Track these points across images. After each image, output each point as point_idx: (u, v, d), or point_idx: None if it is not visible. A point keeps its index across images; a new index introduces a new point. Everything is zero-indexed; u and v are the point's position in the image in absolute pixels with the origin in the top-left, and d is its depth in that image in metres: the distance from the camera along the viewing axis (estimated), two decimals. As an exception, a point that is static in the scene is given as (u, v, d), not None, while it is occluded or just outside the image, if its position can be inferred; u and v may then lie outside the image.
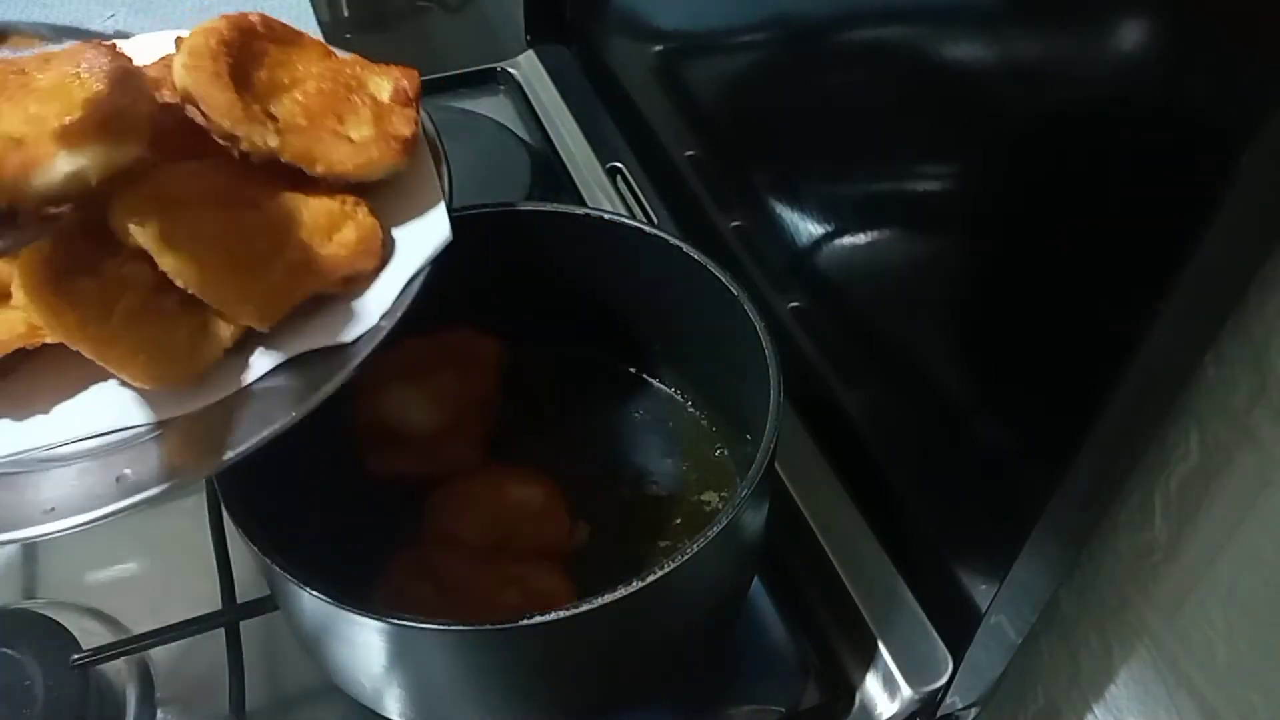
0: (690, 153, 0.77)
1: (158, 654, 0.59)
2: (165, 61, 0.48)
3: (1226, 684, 0.46)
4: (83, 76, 0.40)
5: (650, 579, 0.43)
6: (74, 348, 0.40)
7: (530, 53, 0.98)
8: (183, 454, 0.41)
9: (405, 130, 0.49)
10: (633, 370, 0.67)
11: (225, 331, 0.43)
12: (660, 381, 0.66)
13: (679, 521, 0.60)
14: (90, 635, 0.58)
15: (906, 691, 0.55)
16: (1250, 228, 0.35)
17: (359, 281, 0.46)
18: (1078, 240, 0.41)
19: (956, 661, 0.55)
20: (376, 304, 0.45)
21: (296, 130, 0.46)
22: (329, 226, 0.45)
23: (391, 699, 0.51)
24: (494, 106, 0.95)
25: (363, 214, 0.47)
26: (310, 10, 1.14)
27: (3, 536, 0.38)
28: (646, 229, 0.58)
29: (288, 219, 0.45)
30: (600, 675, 0.51)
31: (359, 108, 0.49)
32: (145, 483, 0.40)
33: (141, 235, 0.40)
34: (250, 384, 0.43)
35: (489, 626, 0.43)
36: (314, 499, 0.54)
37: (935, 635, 0.56)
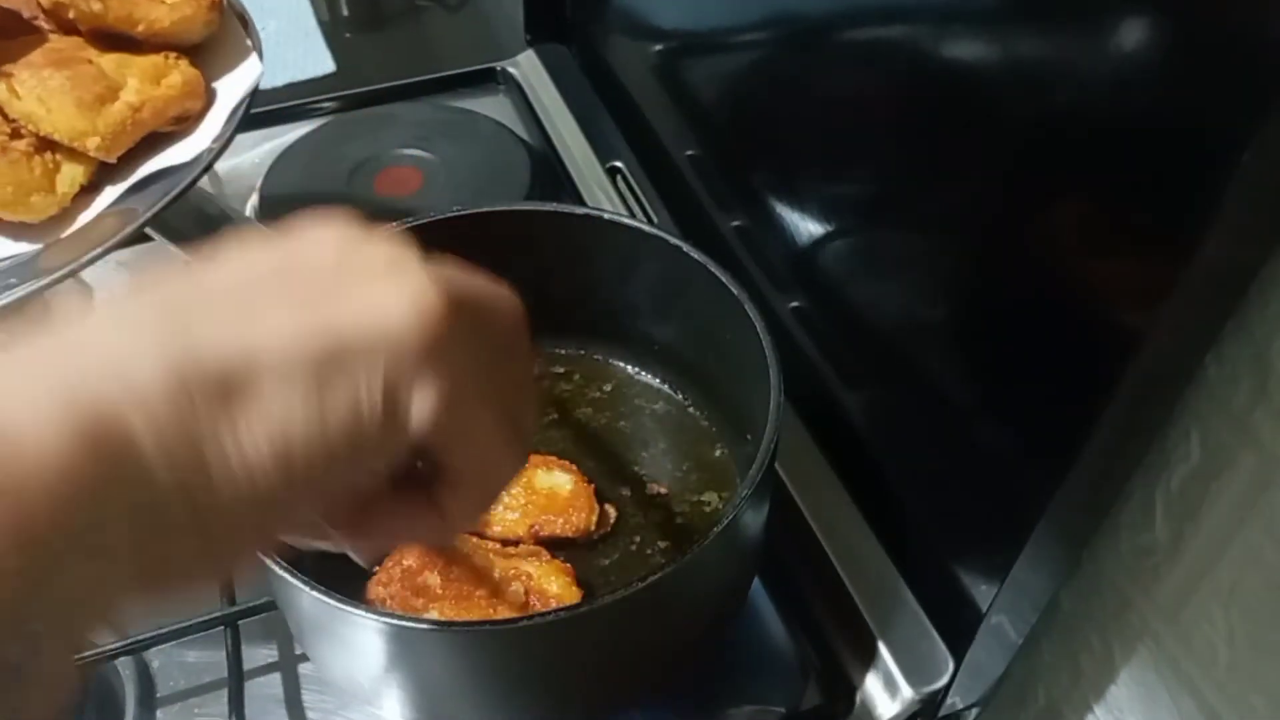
0: (690, 153, 0.77)
1: (157, 654, 0.59)
2: None
3: (1227, 684, 0.46)
4: None
5: (650, 579, 0.43)
6: None
7: (530, 52, 0.98)
8: (63, 257, 0.49)
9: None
10: (632, 370, 0.67)
11: (78, 168, 0.51)
12: (660, 381, 0.66)
13: (679, 521, 0.60)
14: (90, 635, 0.58)
15: (907, 692, 0.55)
16: (1251, 227, 0.35)
17: (189, 120, 0.55)
18: (1078, 240, 0.41)
19: (957, 662, 0.55)
20: (207, 133, 0.54)
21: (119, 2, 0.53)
22: (156, 75, 0.53)
23: (391, 699, 0.51)
24: (494, 106, 0.95)
25: (184, 65, 0.55)
26: (310, 9, 1.14)
27: None
28: (646, 229, 0.58)
29: (120, 68, 0.53)
30: (600, 675, 0.51)
31: None
32: (32, 277, 0.47)
33: None
34: (107, 207, 0.51)
35: (488, 627, 0.43)
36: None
37: (936, 635, 0.56)
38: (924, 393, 0.56)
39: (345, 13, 1.15)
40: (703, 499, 0.61)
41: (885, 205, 0.56)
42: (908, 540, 0.58)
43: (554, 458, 0.61)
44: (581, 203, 0.82)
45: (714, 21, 0.71)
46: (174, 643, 0.56)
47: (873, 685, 0.56)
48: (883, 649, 0.56)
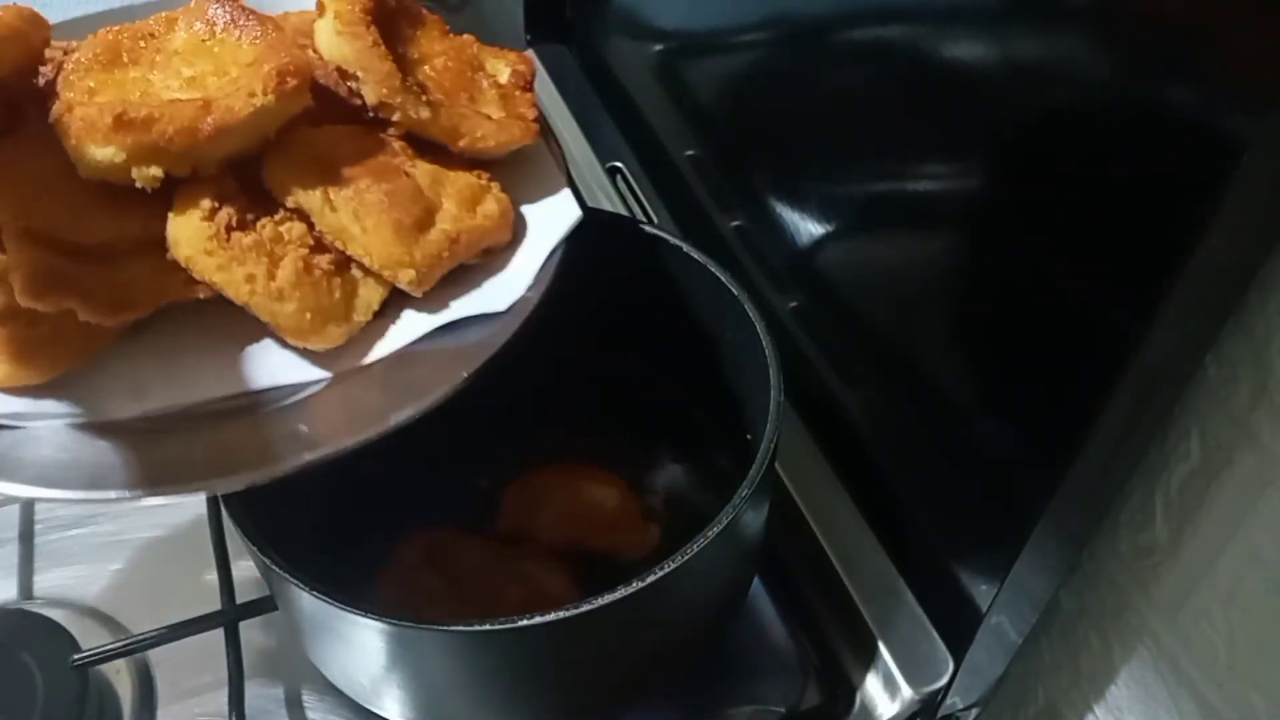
0: (690, 152, 0.77)
1: (157, 654, 0.59)
2: (290, 21, 0.49)
3: (1227, 684, 0.46)
4: (218, 35, 0.43)
5: (650, 579, 0.43)
6: (241, 304, 0.41)
7: (530, 52, 0.98)
8: (354, 412, 0.42)
9: (530, 113, 0.51)
10: (632, 370, 0.67)
11: (375, 294, 0.44)
12: (660, 381, 0.66)
13: (679, 522, 0.60)
14: (90, 635, 0.58)
15: (907, 692, 0.55)
16: (1251, 227, 0.35)
17: (497, 254, 0.48)
18: (1078, 240, 0.41)
19: (957, 662, 0.55)
20: (519, 276, 0.47)
21: (443, 103, 0.48)
22: (472, 199, 0.47)
23: (391, 699, 0.51)
24: (494, 106, 0.95)
25: (497, 189, 0.48)
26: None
27: (219, 484, 0.40)
28: (646, 229, 0.58)
29: (438, 188, 0.46)
30: (600, 675, 0.51)
31: (484, 88, 0.51)
32: (323, 439, 0.41)
33: (304, 195, 0.42)
34: (405, 347, 0.44)
35: (488, 627, 0.43)
36: (314, 499, 0.54)
37: (935, 635, 0.56)
38: (924, 392, 0.56)
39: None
40: (702, 499, 0.62)
41: (885, 205, 0.56)
42: (908, 540, 0.58)
43: (601, 470, 0.61)
44: (582, 203, 0.82)
45: (714, 21, 0.71)
46: (174, 643, 0.56)
47: (873, 685, 0.56)
48: (882, 649, 0.56)
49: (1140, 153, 0.37)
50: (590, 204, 0.81)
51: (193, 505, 0.63)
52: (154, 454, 0.40)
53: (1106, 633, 0.52)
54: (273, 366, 0.43)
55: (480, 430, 0.64)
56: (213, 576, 0.59)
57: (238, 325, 0.43)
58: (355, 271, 0.44)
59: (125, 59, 0.43)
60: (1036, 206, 0.43)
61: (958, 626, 0.54)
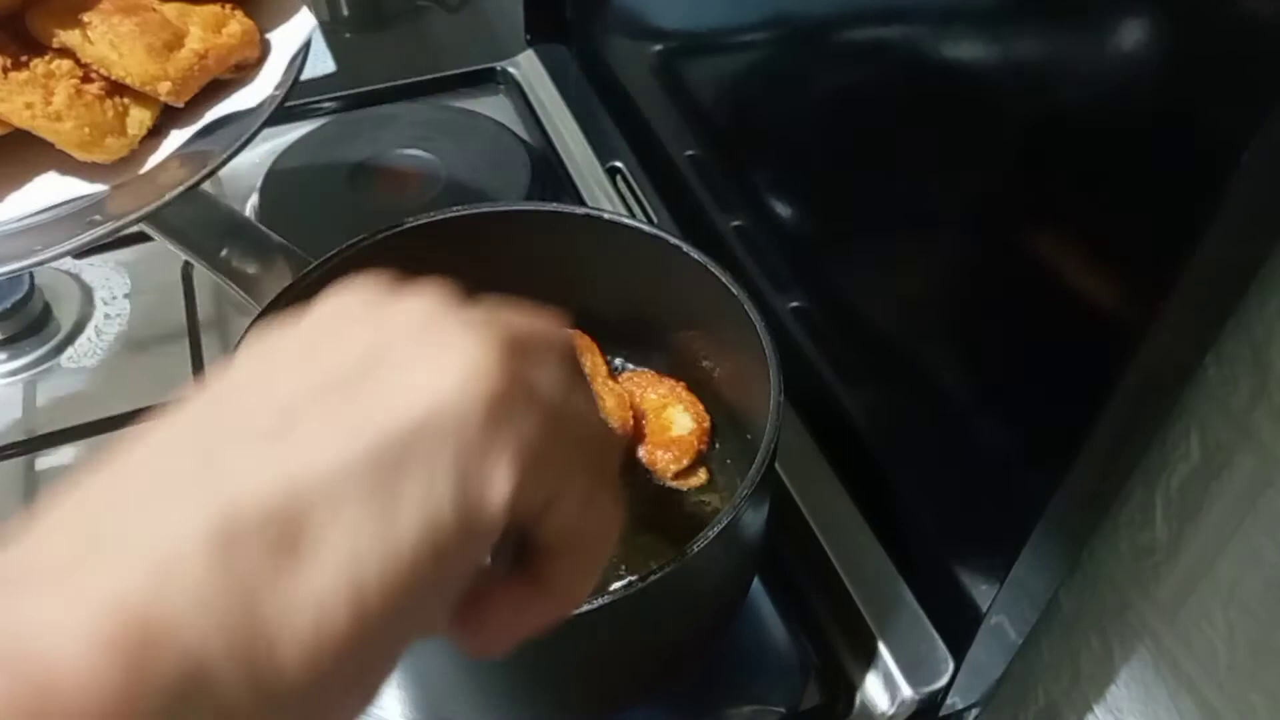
0: (690, 153, 0.77)
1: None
2: None
3: (1227, 684, 0.46)
4: None
5: (650, 579, 0.43)
6: (26, 128, 0.48)
7: (530, 52, 0.98)
8: (137, 200, 0.50)
9: None
10: (632, 369, 0.67)
11: (146, 111, 0.52)
12: (660, 375, 0.66)
13: (679, 521, 0.60)
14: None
15: (907, 692, 0.55)
16: (1250, 227, 0.35)
17: (248, 68, 0.56)
18: (1078, 240, 0.41)
19: (957, 662, 0.55)
20: (268, 80, 0.56)
21: None
22: (216, 24, 0.55)
23: (390, 699, 0.51)
24: (494, 106, 0.95)
25: (240, 15, 0.56)
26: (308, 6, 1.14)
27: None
28: (646, 229, 0.58)
29: (185, 19, 0.54)
30: (600, 675, 0.51)
31: None
32: (113, 218, 0.49)
33: (65, 34, 0.50)
34: (176, 150, 0.52)
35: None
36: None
37: (936, 635, 0.56)
38: (924, 392, 0.56)
39: (346, 13, 1.15)
40: (703, 499, 0.62)
41: (885, 205, 0.56)
42: (908, 540, 0.58)
43: (693, 397, 0.64)
44: (581, 203, 0.82)
45: (714, 22, 0.71)
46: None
47: (872, 685, 0.56)
48: (882, 649, 0.56)
49: (1140, 153, 0.37)
50: (590, 204, 0.82)
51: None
52: None
53: (1106, 633, 0.52)
54: (65, 184, 0.51)
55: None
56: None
57: (33, 155, 0.50)
58: (126, 98, 0.51)
59: None
60: (1036, 206, 0.43)
61: (958, 626, 0.54)
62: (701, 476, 0.62)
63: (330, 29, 1.12)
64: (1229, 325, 0.39)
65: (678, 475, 0.62)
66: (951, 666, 0.55)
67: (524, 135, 0.91)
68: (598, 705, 0.54)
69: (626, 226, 0.59)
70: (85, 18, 0.50)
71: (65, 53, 0.50)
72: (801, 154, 0.63)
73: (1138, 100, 0.36)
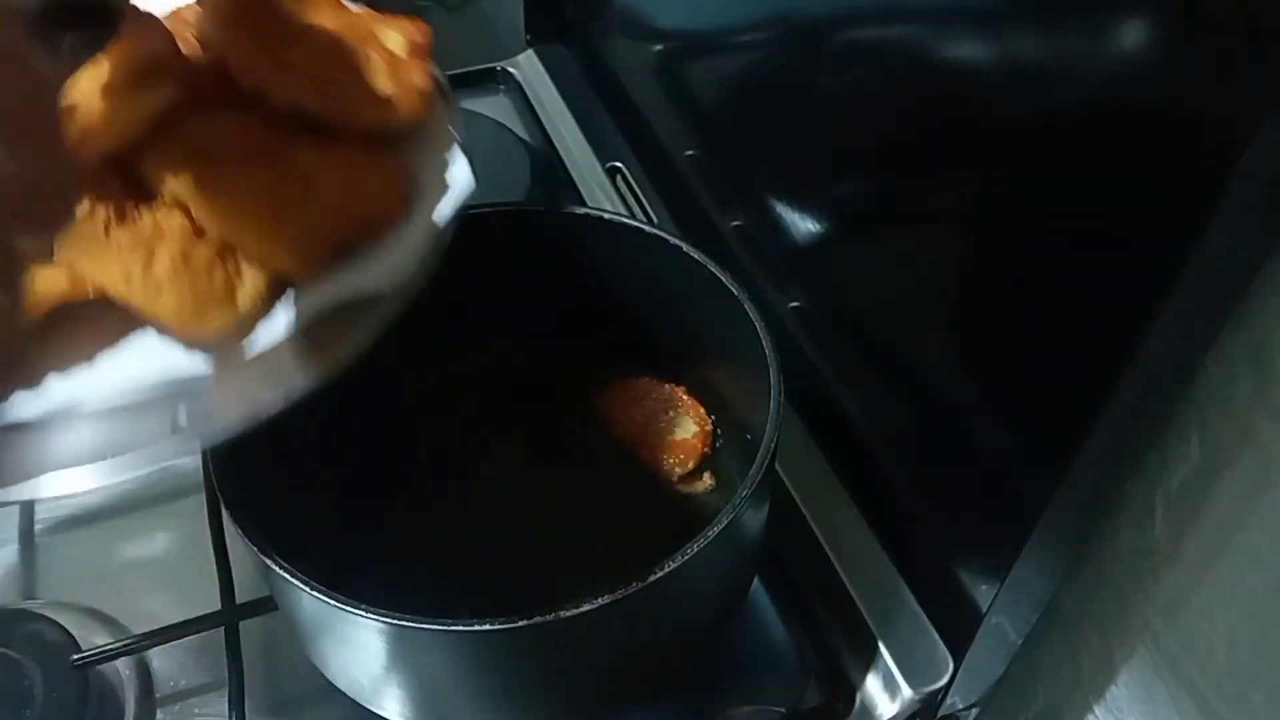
0: (690, 152, 0.77)
1: (157, 654, 0.59)
2: (180, 14, 0.48)
3: (1227, 684, 0.46)
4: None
5: (650, 579, 0.43)
6: (119, 301, 0.41)
7: (530, 52, 0.98)
8: (232, 401, 0.41)
9: (423, 83, 0.49)
10: (632, 369, 0.67)
11: (260, 280, 0.43)
12: (660, 381, 0.66)
13: (679, 522, 0.60)
14: (90, 635, 0.58)
15: (907, 692, 0.55)
16: (1251, 226, 0.35)
17: (386, 230, 0.46)
18: (1078, 239, 0.41)
19: (957, 662, 0.55)
20: (406, 254, 0.45)
21: (321, 83, 0.46)
22: (354, 176, 0.45)
23: (391, 699, 0.51)
24: (494, 106, 0.95)
25: (387, 163, 0.47)
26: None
27: (65, 488, 0.39)
28: (646, 229, 0.58)
29: (316, 168, 0.45)
30: (600, 675, 0.51)
31: (375, 60, 0.49)
32: (201, 425, 0.41)
33: (178, 186, 0.41)
34: (288, 333, 0.43)
35: (488, 627, 0.43)
36: (314, 499, 0.54)
37: (936, 636, 0.56)
38: (924, 392, 0.56)
39: (345, 13, 1.15)
40: (703, 499, 0.62)
41: (885, 205, 0.56)
42: (907, 540, 0.58)
43: (695, 402, 0.64)
44: (581, 203, 0.82)
45: (714, 22, 0.71)
46: (174, 642, 0.56)
47: (873, 685, 0.56)
48: (883, 649, 0.56)
49: (1140, 152, 0.37)
50: (590, 204, 0.82)
51: (193, 506, 0.63)
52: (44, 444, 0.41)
53: (1107, 633, 0.52)
54: (163, 360, 0.43)
55: (481, 428, 0.65)
56: (212, 576, 0.59)
57: (133, 320, 0.43)
58: (239, 257, 0.43)
59: None
60: (1036, 206, 0.43)
61: (958, 626, 0.54)
62: (707, 481, 0.62)
63: (330, 29, 1.12)
64: (1229, 325, 0.39)
65: (682, 479, 0.62)
66: (951, 667, 0.55)
67: (524, 135, 0.91)
68: (598, 705, 0.54)
69: (626, 226, 0.59)
70: (204, 164, 0.42)
71: (178, 204, 0.42)
72: (801, 154, 0.63)
73: (1138, 100, 0.37)
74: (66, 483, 0.39)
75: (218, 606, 0.57)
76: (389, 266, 0.44)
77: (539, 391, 0.66)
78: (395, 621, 0.43)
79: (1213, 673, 0.47)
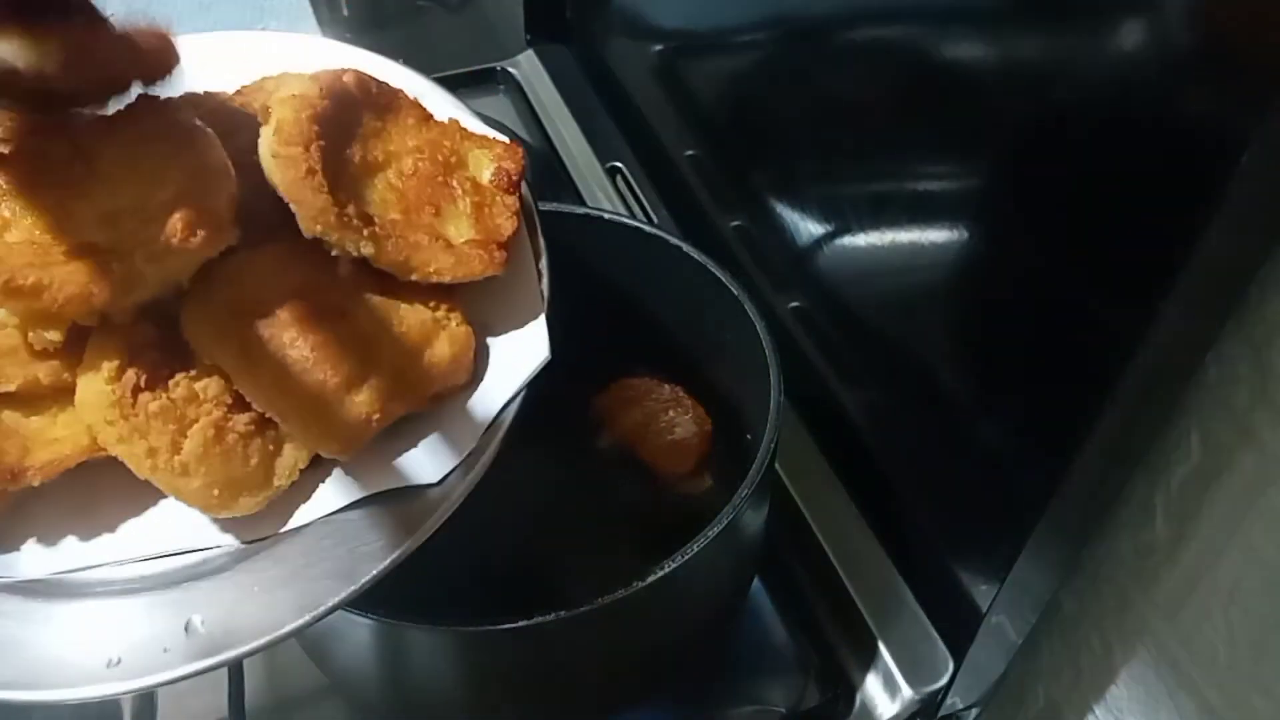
0: (690, 152, 0.78)
1: (158, 654, 0.59)
2: (242, 103, 0.45)
3: (1227, 684, 0.46)
4: (156, 160, 0.38)
5: (650, 579, 0.43)
6: (145, 478, 0.37)
7: (530, 52, 0.98)
8: (256, 606, 0.37)
9: (507, 227, 0.44)
10: (632, 369, 0.67)
11: (301, 459, 0.39)
12: (660, 381, 0.66)
13: (679, 521, 0.60)
14: (90, 635, 0.58)
15: (907, 692, 0.55)
16: (1250, 227, 0.35)
17: (449, 399, 0.42)
18: (1078, 240, 0.41)
19: (957, 662, 0.55)
20: (465, 433, 0.41)
21: (392, 233, 0.41)
22: (421, 339, 0.41)
23: (389, 699, 0.51)
24: (494, 106, 0.95)
25: (456, 323, 0.42)
26: (310, 10, 1.14)
27: (67, 694, 0.36)
28: (646, 229, 0.58)
29: (378, 333, 0.40)
30: (600, 675, 0.51)
31: (457, 195, 0.44)
32: (216, 639, 0.36)
33: (220, 353, 0.38)
34: (326, 515, 0.39)
35: (489, 627, 0.43)
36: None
37: (936, 635, 0.56)
38: (924, 392, 0.56)
39: (345, 13, 1.15)
40: (703, 499, 0.62)
41: (885, 205, 0.56)
42: (908, 540, 0.59)
43: (695, 402, 0.64)
44: (582, 203, 0.82)
45: (713, 22, 0.71)
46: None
47: (873, 685, 0.56)
48: (883, 649, 0.56)
49: (1140, 153, 0.37)
50: (590, 204, 0.82)
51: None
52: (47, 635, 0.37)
53: (1107, 633, 0.52)
54: (185, 528, 0.39)
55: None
56: (213, 576, 0.59)
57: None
58: (279, 431, 0.39)
59: (48, 180, 0.38)
60: (1036, 207, 0.43)
61: (958, 626, 0.54)
62: (706, 481, 0.62)
63: (330, 29, 1.12)
64: (1229, 326, 0.39)
65: (682, 479, 0.62)
66: (951, 666, 0.55)
67: (524, 135, 0.91)
68: (598, 705, 0.54)
69: (626, 226, 0.59)
70: (249, 328, 0.38)
71: (217, 368, 0.38)
72: (801, 154, 0.63)
73: (1138, 101, 0.37)
74: (68, 693, 0.36)
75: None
76: (442, 449, 0.40)
77: (539, 391, 0.66)
78: (393, 622, 0.43)
79: (1212, 672, 0.47)
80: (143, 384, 0.37)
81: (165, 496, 0.39)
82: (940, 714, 0.57)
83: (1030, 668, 0.58)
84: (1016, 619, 0.53)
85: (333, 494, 0.40)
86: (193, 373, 0.38)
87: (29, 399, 0.39)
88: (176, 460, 0.37)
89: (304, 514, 0.39)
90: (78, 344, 0.38)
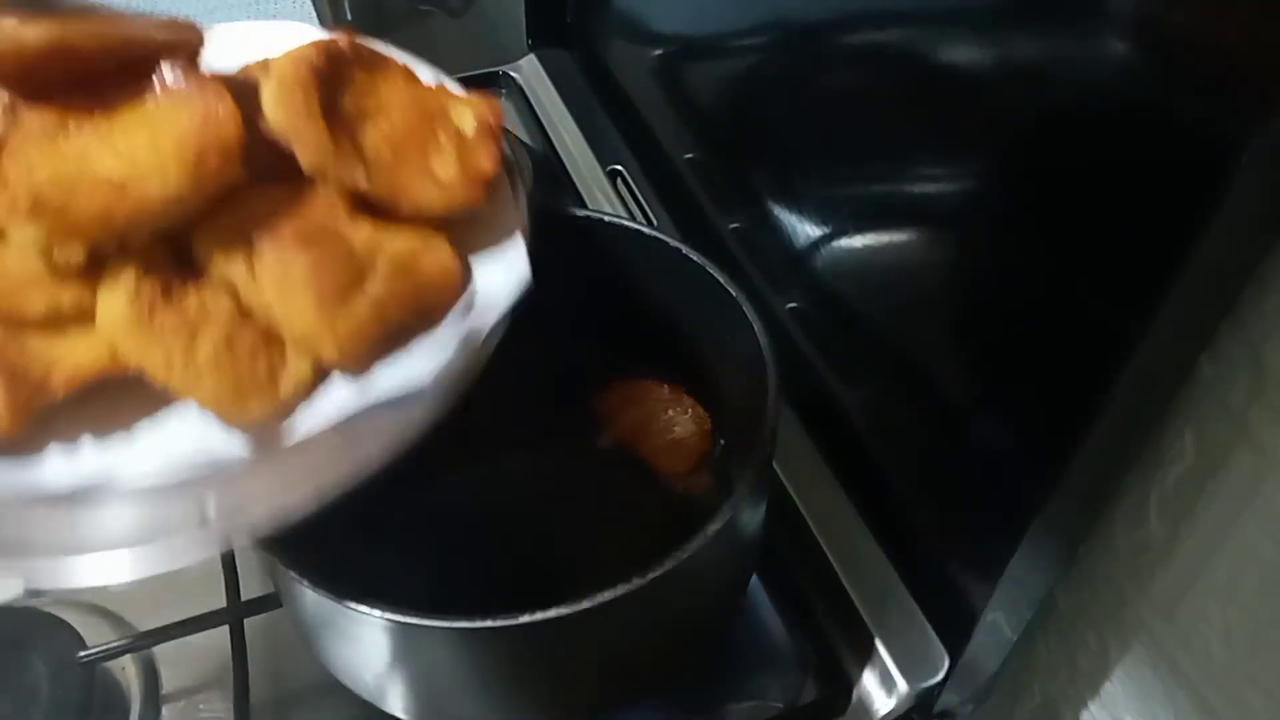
0: (690, 155, 0.78)
1: (162, 651, 0.59)
2: (245, 73, 0.47)
3: (1224, 682, 0.46)
4: (166, 104, 0.42)
5: (649, 577, 0.43)
6: (161, 385, 0.40)
7: (532, 56, 0.98)
8: (264, 495, 0.41)
9: (488, 167, 0.48)
10: (632, 369, 0.67)
11: (304, 368, 0.43)
12: (660, 381, 0.67)
13: (677, 520, 0.60)
14: (95, 633, 0.58)
15: (903, 688, 0.55)
16: (1247, 226, 0.35)
17: (436, 316, 0.45)
18: (1076, 239, 0.41)
19: (953, 659, 0.55)
20: (454, 347, 0.44)
21: (384, 168, 0.45)
22: (409, 260, 0.45)
23: (394, 695, 0.51)
24: (496, 109, 0.95)
25: (442, 247, 0.46)
26: (313, 14, 1.14)
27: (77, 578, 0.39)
28: (647, 231, 0.59)
29: (370, 252, 0.44)
30: (600, 673, 0.52)
31: (442, 141, 0.48)
32: (229, 520, 0.40)
33: (228, 266, 0.42)
34: (329, 423, 0.42)
35: (490, 624, 0.43)
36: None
37: (932, 632, 0.56)
38: (921, 392, 0.56)
39: (348, 17, 1.15)
40: (701, 498, 0.62)
41: (884, 206, 0.56)
42: (904, 538, 0.59)
43: (695, 402, 0.64)
44: (582, 205, 0.83)
45: (714, 26, 0.71)
46: (179, 639, 0.57)
47: (869, 681, 0.57)
48: (879, 646, 0.57)
49: (1138, 153, 0.37)
50: (591, 206, 0.82)
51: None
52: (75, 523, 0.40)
53: (1103, 630, 0.52)
54: (202, 437, 0.42)
55: (481, 428, 0.65)
56: (217, 574, 0.59)
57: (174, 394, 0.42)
58: (284, 343, 0.42)
59: (71, 127, 0.41)
60: (1034, 206, 0.44)
61: (954, 624, 0.54)
62: (706, 480, 0.62)
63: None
64: (1226, 325, 0.39)
65: (681, 479, 0.62)
66: (948, 663, 0.55)
67: (525, 138, 0.91)
68: (597, 703, 0.55)
69: (627, 229, 0.59)
70: (255, 245, 0.42)
71: (226, 283, 0.42)
72: (801, 156, 0.63)
73: (1136, 100, 0.37)
74: (92, 575, 0.39)
75: (222, 604, 0.58)
76: (436, 360, 0.44)
77: (539, 391, 0.66)
78: (398, 618, 0.43)
79: (1209, 670, 0.47)
80: (159, 300, 0.41)
81: (182, 411, 0.42)
82: (936, 710, 0.57)
83: (1026, 665, 0.58)
84: (1013, 616, 0.53)
85: (336, 406, 0.43)
86: (205, 289, 0.42)
87: (52, 324, 0.42)
88: (192, 365, 0.40)
89: (309, 424, 0.42)
90: (96, 272, 0.41)
